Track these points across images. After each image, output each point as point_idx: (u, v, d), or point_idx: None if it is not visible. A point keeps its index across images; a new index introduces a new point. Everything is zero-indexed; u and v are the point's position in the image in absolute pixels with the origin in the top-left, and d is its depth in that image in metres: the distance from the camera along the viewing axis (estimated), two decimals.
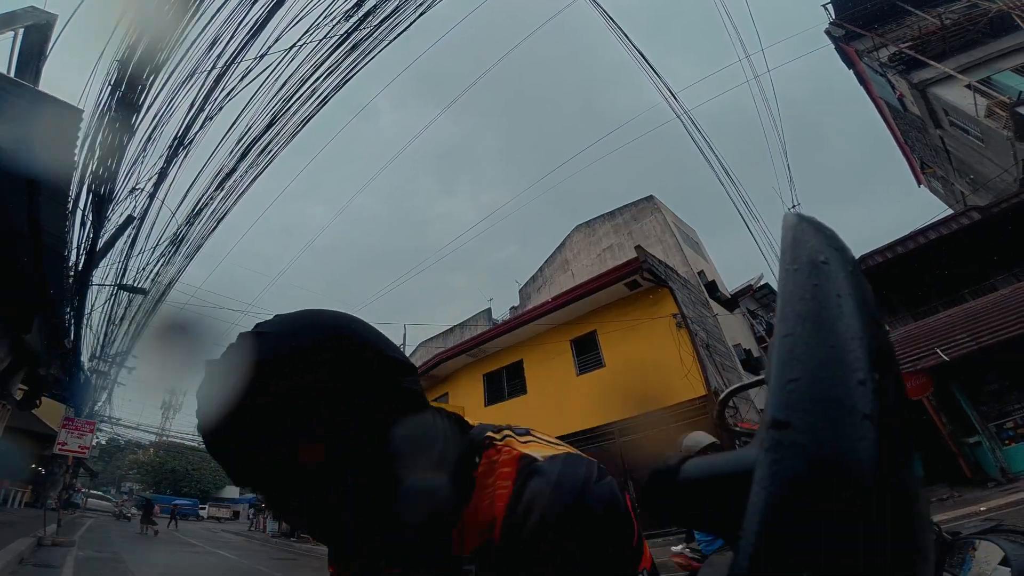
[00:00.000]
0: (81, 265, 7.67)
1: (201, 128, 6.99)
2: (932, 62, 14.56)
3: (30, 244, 5.31)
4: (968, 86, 13.58)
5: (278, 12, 5.98)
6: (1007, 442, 9.37)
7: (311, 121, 7.33)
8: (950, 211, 16.38)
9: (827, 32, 19.52)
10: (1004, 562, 0.82)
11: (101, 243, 7.71)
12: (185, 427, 57.35)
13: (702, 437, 2.79)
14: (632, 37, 8.22)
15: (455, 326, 27.75)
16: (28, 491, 21.59)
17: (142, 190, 7.69)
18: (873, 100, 21.46)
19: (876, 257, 12.49)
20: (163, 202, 8.29)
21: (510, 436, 0.64)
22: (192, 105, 6.74)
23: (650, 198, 21.53)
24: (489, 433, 0.66)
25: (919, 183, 24.41)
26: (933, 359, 9.52)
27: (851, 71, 20.53)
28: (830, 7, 18.87)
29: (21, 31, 5.05)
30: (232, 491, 53.91)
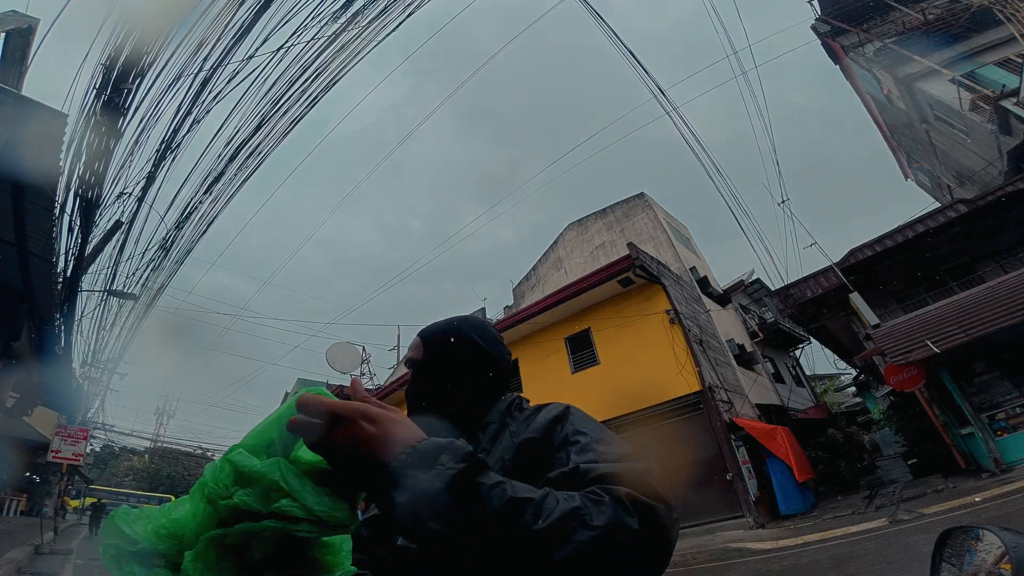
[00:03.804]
0: (70, 271, 7.58)
1: (189, 131, 6.92)
2: (916, 56, 14.68)
3: (16, 250, 5.26)
4: (952, 80, 13.70)
5: (265, 13, 5.94)
6: (999, 433, 9.46)
7: (302, 121, 7.29)
8: (937, 204, 16.53)
9: (813, 28, 19.61)
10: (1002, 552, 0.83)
11: (89, 248, 7.62)
12: (180, 433, 56.90)
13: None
14: (629, 52, 8.22)
15: None
16: (23, 500, 21.39)
17: (130, 194, 7.60)
18: (860, 95, 21.60)
19: (865, 251, 12.54)
20: (152, 206, 8.20)
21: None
22: (179, 108, 6.68)
23: (641, 195, 21.51)
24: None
25: (906, 177, 24.64)
26: (924, 351, 9.58)
27: (837, 66, 20.66)
28: (815, 3, 18.97)
29: (3, 35, 4.98)
30: None
